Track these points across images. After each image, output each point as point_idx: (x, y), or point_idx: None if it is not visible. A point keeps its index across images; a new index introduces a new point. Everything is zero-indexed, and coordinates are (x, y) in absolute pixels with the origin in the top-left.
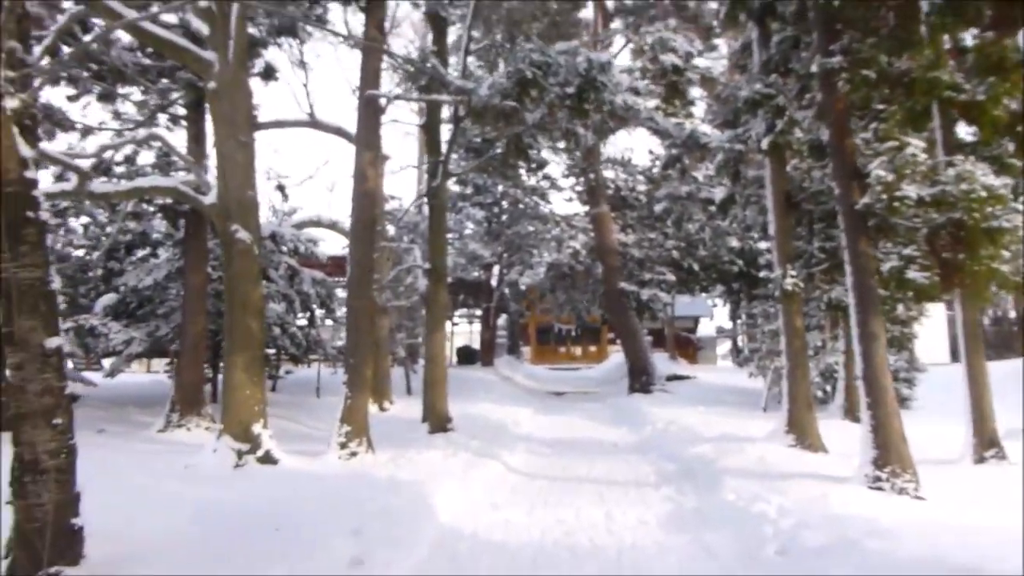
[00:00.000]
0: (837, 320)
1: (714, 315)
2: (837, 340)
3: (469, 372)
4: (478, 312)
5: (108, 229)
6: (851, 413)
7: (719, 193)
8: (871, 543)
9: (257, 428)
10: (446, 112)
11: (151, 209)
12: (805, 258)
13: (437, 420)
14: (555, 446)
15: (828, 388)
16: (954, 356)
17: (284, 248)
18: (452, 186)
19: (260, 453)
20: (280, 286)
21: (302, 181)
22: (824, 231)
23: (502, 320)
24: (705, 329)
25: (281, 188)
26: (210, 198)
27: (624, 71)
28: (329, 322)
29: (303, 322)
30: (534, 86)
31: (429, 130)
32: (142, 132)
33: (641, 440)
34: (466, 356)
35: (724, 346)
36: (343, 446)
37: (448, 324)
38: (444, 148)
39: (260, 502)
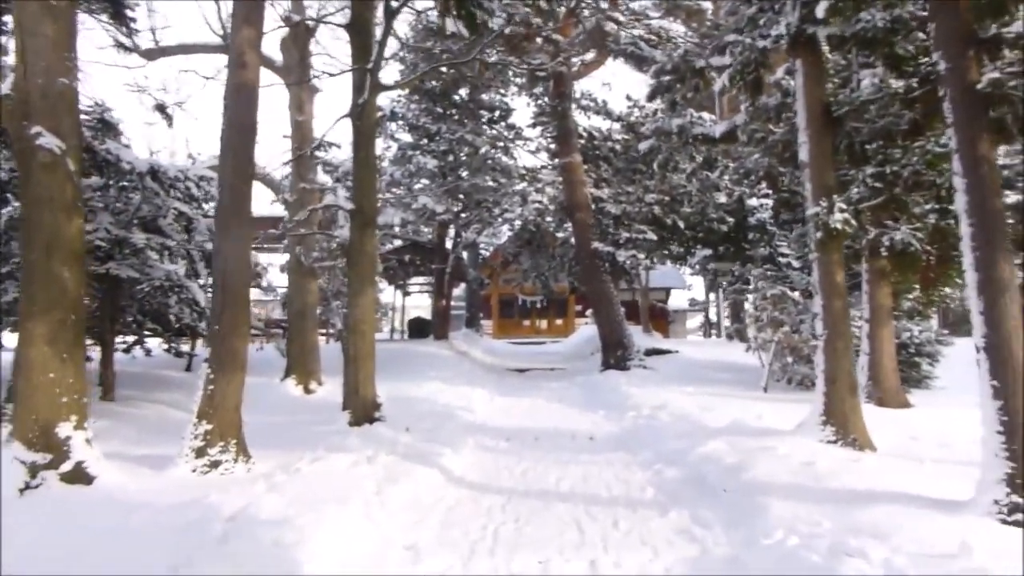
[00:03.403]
0: (859, 282)
1: (690, 286)
2: (854, 306)
3: (419, 346)
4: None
5: None
6: (879, 395)
7: (719, 127)
8: None
9: (65, 429)
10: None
11: None
12: (848, 192)
13: (361, 408)
14: (515, 439)
15: None
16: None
17: (177, 193)
18: (403, 135)
19: (67, 467)
20: (176, 240)
21: (182, 102)
22: (881, 151)
23: (460, 290)
24: (675, 301)
25: (161, 108)
26: (2, 88)
27: None
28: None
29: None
30: None
31: (357, 31)
32: None
33: (624, 431)
34: (418, 328)
35: (695, 319)
36: (200, 452)
37: (399, 293)
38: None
39: None
